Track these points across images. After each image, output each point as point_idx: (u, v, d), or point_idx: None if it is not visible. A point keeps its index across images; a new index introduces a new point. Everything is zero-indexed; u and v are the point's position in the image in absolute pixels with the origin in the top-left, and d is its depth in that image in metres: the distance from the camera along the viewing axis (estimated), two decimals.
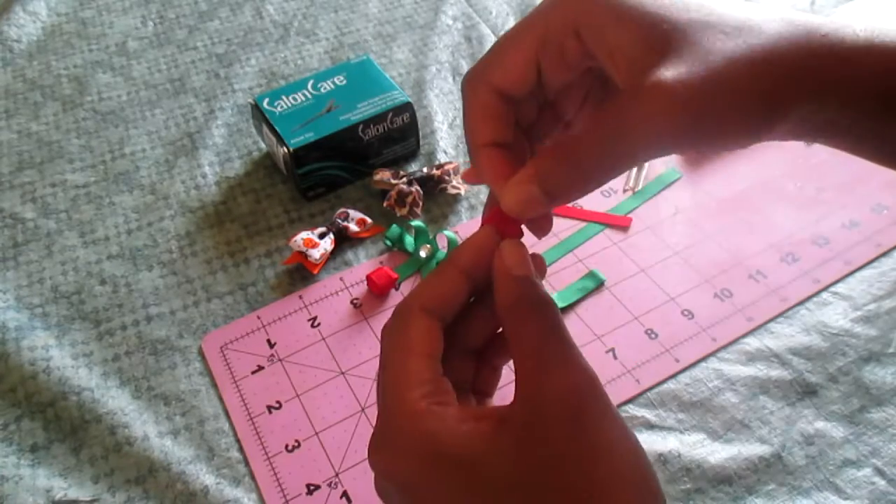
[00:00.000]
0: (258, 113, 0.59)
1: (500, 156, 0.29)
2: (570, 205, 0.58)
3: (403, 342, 0.28)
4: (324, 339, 0.50)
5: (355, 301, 0.52)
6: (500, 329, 0.32)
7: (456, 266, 0.29)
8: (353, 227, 0.56)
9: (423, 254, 0.54)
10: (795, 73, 0.24)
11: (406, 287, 0.53)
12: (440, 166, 0.59)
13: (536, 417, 0.25)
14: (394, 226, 0.55)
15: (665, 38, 0.24)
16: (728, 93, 0.24)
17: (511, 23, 0.76)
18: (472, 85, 0.29)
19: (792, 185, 0.59)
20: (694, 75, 0.23)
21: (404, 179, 0.58)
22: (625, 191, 0.59)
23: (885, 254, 0.53)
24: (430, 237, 0.55)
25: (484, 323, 0.31)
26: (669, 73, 0.23)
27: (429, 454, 0.26)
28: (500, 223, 0.30)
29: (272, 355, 0.50)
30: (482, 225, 0.30)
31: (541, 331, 0.27)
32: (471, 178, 0.31)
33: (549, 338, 0.27)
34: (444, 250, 0.54)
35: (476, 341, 0.31)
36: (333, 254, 0.55)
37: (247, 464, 0.45)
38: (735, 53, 0.24)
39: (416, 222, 0.55)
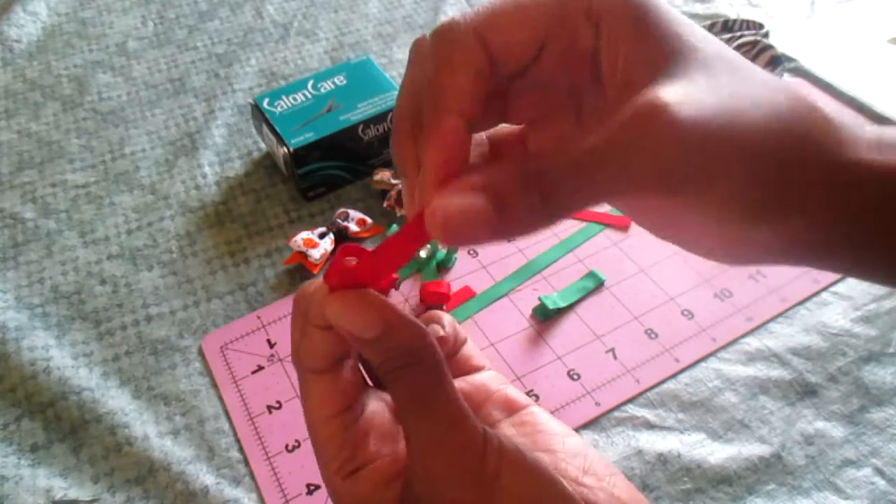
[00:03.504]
0: (258, 113, 0.59)
1: (463, 137, 0.23)
2: None
3: (310, 408, 0.27)
4: None
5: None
6: None
7: (310, 323, 0.25)
8: (353, 227, 0.56)
9: (423, 254, 0.54)
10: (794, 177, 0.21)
11: (406, 287, 0.53)
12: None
13: (429, 488, 0.24)
14: (394, 226, 0.55)
15: (675, 62, 0.21)
16: (735, 141, 0.20)
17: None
18: (455, 36, 0.23)
19: None
20: (703, 105, 0.20)
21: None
22: None
23: None
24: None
25: None
26: (671, 95, 0.20)
27: None
28: (386, 256, 0.23)
29: (272, 355, 0.50)
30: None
31: (406, 396, 0.24)
32: (407, 159, 0.24)
33: (416, 397, 0.24)
34: (444, 250, 0.54)
35: None
36: (333, 254, 0.55)
37: (247, 464, 0.45)
38: (751, 95, 0.21)
39: None
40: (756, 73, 0.22)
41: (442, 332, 0.31)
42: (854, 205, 0.21)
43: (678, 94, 0.19)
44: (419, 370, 0.24)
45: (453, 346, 0.32)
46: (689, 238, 0.25)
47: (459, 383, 0.31)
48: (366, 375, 0.29)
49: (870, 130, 0.22)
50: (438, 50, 0.23)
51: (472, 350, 0.33)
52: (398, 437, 0.28)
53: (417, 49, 0.25)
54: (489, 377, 0.32)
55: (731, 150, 0.20)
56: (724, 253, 0.24)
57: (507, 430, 0.30)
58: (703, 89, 0.20)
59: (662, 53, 0.21)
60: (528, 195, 0.20)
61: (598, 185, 0.20)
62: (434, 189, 0.22)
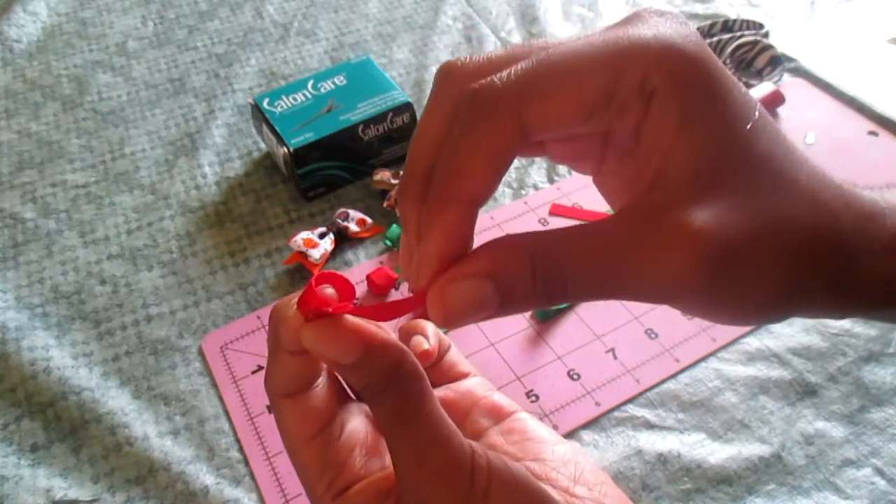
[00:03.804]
0: (258, 113, 0.59)
1: (469, 226, 0.22)
2: (569, 204, 0.58)
3: (287, 433, 0.26)
4: None
5: (355, 301, 0.52)
6: None
7: (281, 349, 0.25)
8: (353, 227, 0.56)
9: None
10: (826, 265, 0.21)
11: (406, 287, 0.53)
12: None
13: None
14: (394, 226, 0.55)
15: (721, 170, 0.20)
16: (763, 264, 0.20)
17: (511, 23, 0.76)
18: (492, 105, 0.20)
19: None
20: (732, 229, 0.19)
21: None
22: None
23: None
24: None
25: None
26: (703, 216, 0.19)
27: None
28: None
29: None
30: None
31: (389, 417, 0.24)
32: (409, 220, 0.23)
33: (399, 419, 0.24)
34: None
35: None
36: (333, 254, 0.55)
37: (247, 464, 0.45)
38: (783, 218, 0.20)
39: None
40: (796, 180, 0.21)
41: (426, 346, 0.30)
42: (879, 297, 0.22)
43: (707, 219, 0.19)
44: (400, 391, 0.23)
45: (437, 355, 0.31)
46: (692, 314, 0.25)
47: (444, 392, 0.31)
48: (347, 388, 0.28)
49: (888, 233, 0.22)
50: (468, 118, 0.21)
51: (456, 356, 0.33)
52: (386, 449, 0.27)
53: (448, 90, 0.22)
54: (475, 384, 0.32)
55: (752, 277, 0.20)
56: (728, 323, 0.24)
57: (496, 438, 0.29)
58: (735, 210, 0.20)
59: (706, 154, 0.20)
60: (533, 286, 0.20)
61: (609, 291, 0.20)
62: (432, 273, 0.21)
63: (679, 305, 0.21)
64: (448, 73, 0.22)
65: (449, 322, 0.21)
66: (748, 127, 0.21)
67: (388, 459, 0.27)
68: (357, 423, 0.27)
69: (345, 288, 0.24)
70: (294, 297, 0.24)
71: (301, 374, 0.25)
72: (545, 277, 0.20)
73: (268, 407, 0.47)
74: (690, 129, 0.20)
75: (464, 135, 0.21)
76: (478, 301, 0.20)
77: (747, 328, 0.49)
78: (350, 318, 0.23)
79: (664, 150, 0.20)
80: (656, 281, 0.20)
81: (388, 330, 0.24)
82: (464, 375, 0.32)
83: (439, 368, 0.32)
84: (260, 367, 0.49)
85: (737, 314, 0.21)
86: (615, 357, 0.49)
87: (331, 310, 0.23)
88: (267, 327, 0.51)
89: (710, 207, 0.20)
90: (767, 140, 0.21)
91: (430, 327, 0.31)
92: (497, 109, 0.20)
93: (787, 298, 0.21)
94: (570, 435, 0.45)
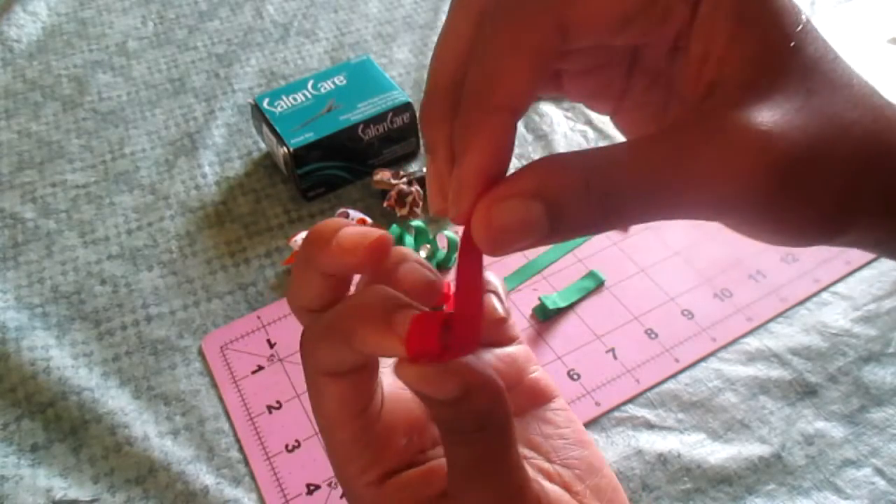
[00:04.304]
0: (258, 113, 0.59)
1: (511, 137, 0.19)
2: None
3: (325, 411, 0.23)
4: None
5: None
6: None
7: (337, 327, 0.22)
8: None
9: (423, 254, 0.54)
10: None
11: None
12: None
13: None
14: (394, 226, 0.55)
15: (774, 68, 0.19)
16: (827, 169, 0.19)
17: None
18: (527, 3, 0.19)
19: None
20: (796, 132, 0.18)
21: (404, 179, 0.58)
22: None
23: None
24: (430, 237, 0.55)
25: None
26: (766, 119, 0.18)
27: None
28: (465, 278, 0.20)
29: (272, 355, 0.50)
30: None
31: (470, 462, 0.22)
32: (438, 142, 0.21)
33: (483, 464, 0.22)
34: (444, 250, 0.54)
35: None
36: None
37: (247, 464, 0.45)
38: (844, 122, 0.19)
39: (416, 222, 0.55)
40: (850, 84, 0.20)
41: (499, 311, 0.27)
42: None
43: (771, 122, 0.18)
44: (489, 437, 0.21)
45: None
46: (747, 231, 0.23)
47: (494, 360, 0.28)
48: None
49: None
50: (503, 17, 0.19)
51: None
52: (424, 424, 0.25)
53: None
54: (520, 352, 0.29)
55: (821, 181, 0.19)
56: (783, 244, 0.23)
57: (534, 427, 0.27)
58: (797, 112, 0.19)
59: (762, 55, 0.19)
60: (587, 206, 0.18)
61: (669, 207, 0.18)
62: (475, 194, 0.19)
63: (737, 218, 0.19)
64: None
65: (496, 246, 0.18)
66: (798, 29, 0.19)
67: (430, 435, 0.25)
68: (394, 393, 0.25)
69: (465, 333, 0.20)
70: (341, 226, 0.22)
71: (330, 297, 0.22)
72: (601, 195, 0.18)
73: (268, 407, 0.47)
74: (746, 29, 0.19)
75: (499, 33, 0.18)
76: (526, 223, 0.17)
77: (747, 328, 0.49)
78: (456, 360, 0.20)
79: (720, 53, 0.19)
80: (718, 190, 0.18)
81: (486, 361, 0.23)
82: (512, 340, 0.29)
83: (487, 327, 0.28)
84: (260, 367, 0.49)
85: (796, 227, 0.20)
86: (615, 357, 0.49)
87: (440, 332, 0.20)
88: (267, 327, 0.51)
89: (771, 110, 0.18)
90: (817, 44, 0.20)
91: (497, 284, 0.28)
92: (535, 11, 0.18)
93: (847, 210, 0.20)
94: None
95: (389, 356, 0.21)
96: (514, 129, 0.19)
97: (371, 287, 0.21)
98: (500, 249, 0.18)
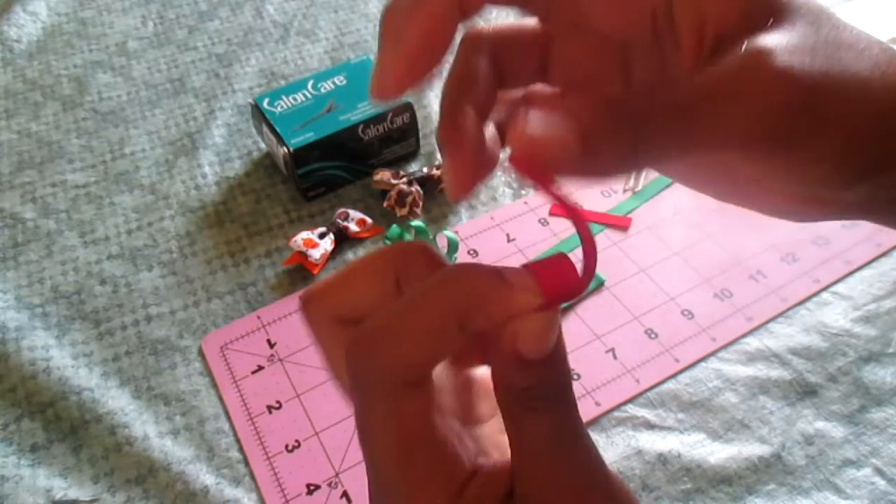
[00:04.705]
0: (258, 113, 0.59)
1: (447, 19, 0.22)
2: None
3: (393, 434, 0.21)
4: None
5: None
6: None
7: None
8: (353, 227, 0.56)
9: None
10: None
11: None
12: (440, 166, 0.59)
13: None
14: (394, 226, 0.55)
15: (776, 16, 0.19)
16: (844, 99, 0.19)
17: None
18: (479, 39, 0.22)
19: None
20: (807, 59, 0.18)
21: (404, 179, 0.58)
22: (625, 191, 0.59)
23: (885, 254, 0.53)
24: (430, 237, 0.55)
25: None
26: (779, 42, 0.18)
27: None
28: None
29: (272, 355, 0.50)
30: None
31: (550, 432, 0.20)
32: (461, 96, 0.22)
33: (565, 433, 0.21)
34: (444, 250, 0.54)
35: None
36: (333, 254, 0.55)
37: (247, 464, 0.45)
38: (851, 63, 0.19)
39: (416, 222, 0.55)
40: (852, 27, 0.21)
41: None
42: None
43: (785, 43, 0.18)
44: (570, 400, 0.21)
45: None
46: (759, 200, 0.23)
47: None
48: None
49: None
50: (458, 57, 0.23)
51: None
52: (482, 415, 0.23)
53: None
54: None
55: (839, 103, 0.19)
56: (796, 212, 0.23)
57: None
58: (809, 40, 0.19)
59: (761, 7, 0.19)
60: (616, 131, 0.18)
61: (697, 133, 0.18)
62: (456, 181, 0.21)
63: (758, 149, 0.19)
64: None
65: (523, 152, 0.18)
66: None
67: (488, 428, 0.23)
68: (442, 384, 0.23)
69: (591, 267, 0.21)
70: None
71: (379, 294, 0.21)
72: (632, 126, 0.18)
73: (268, 407, 0.47)
74: None
75: None
76: (558, 138, 0.18)
77: (747, 328, 0.49)
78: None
79: (716, 13, 0.20)
80: (749, 117, 0.18)
81: None
82: None
83: None
84: (260, 367, 0.49)
85: (813, 162, 0.20)
86: (615, 357, 0.49)
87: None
88: (267, 327, 0.51)
89: (784, 40, 0.19)
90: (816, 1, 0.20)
91: None
92: None
93: (861, 146, 0.20)
94: None
95: (519, 312, 0.20)
96: (453, 19, 0.21)
97: (449, 269, 0.20)
98: (527, 155, 0.18)
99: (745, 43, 0.18)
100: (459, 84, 0.23)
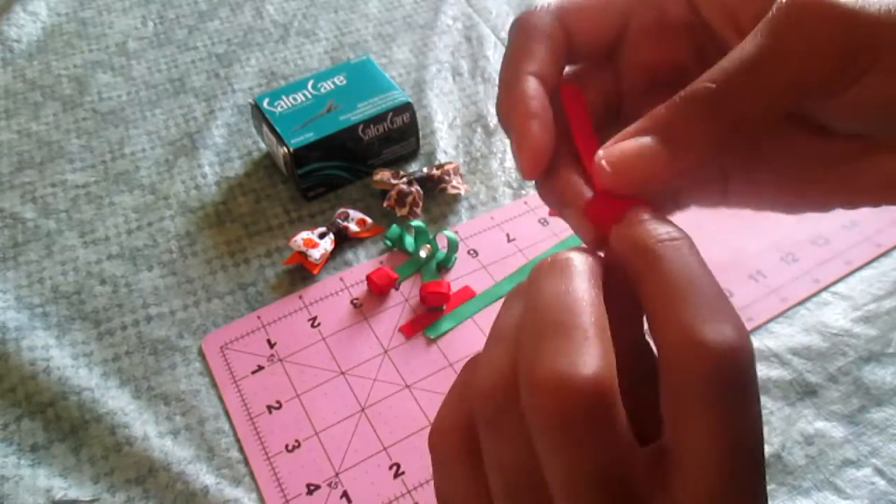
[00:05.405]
0: (258, 113, 0.59)
1: (541, 93, 0.23)
2: None
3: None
4: (324, 339, 0.50)
5: (355, 301, 0.52)
6: None
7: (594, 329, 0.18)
8: (353, 227, 0.56)
9: (423, 254, 0.54)
10: None
11: (406, 287, 0.53)
12: (440, 166, 0.59)
13: None
14: (394, 226, 0.55)
15: None
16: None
17: (511, 22, 0.76)
18: (534, 21, 0.24)
19: None
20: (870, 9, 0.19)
21: (404, 179, 0.58)
22: None
23: (885, 254, 0.53)
24: (430, 237, 0.55)
25: None
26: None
27: None
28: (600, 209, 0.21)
29: (272, 355, 0.50)
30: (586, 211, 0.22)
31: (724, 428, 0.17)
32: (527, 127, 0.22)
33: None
34: (444, 250, 0.54)
35: None
36: (333, 254, 0.55)
37: (247, 464, 0.45)
38: None
39: (416, 222, 0.55)
40: None
41: None
42: None
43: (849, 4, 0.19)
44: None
45: None
46: (821, 187, 0.23)
47: None
48: None
49: None
50: (518, 35, 0.24)
51: None
52: None
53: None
54: None
55: (879, 31, 0.19)
56: (862, 191, 0.23)
57: None
58: None
59: None
60: (692, 118, 0.19)
61: (767, 83, 0.19)
62: (529, 149, 0.22)
63: (831, 82, 0.19)
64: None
65: (620, 179, 0.20)
66: None
67: None
68: None
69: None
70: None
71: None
72: (705, 104, 0.19)
73: (268, 407, 0.47)
74: None
75: (516, 44, 0.24)
76: (640, 151, 0.20)
77: (747, 327, 0.49)
78: None
79: (749, 15, 0.21)
80: (812, 55, 0.19)
81: None
82: None
83: None
84: (260, 367, 0.49)
85: (873, 101, 0.20)
86: None
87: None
88: (267, 327, 0.51)
89: None
90: None
91: None
92: (540, 22, 0.24)
93: None
94: None
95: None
96: (543, 90, 0.23)
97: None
98: (622, 179, 0.20)
99: (790, 9, 0.19)
100: (520, 51, 0.24)
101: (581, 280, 0.19)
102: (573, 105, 0.23)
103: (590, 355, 0.17)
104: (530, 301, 0.19)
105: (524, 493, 0.19)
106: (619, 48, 0.24)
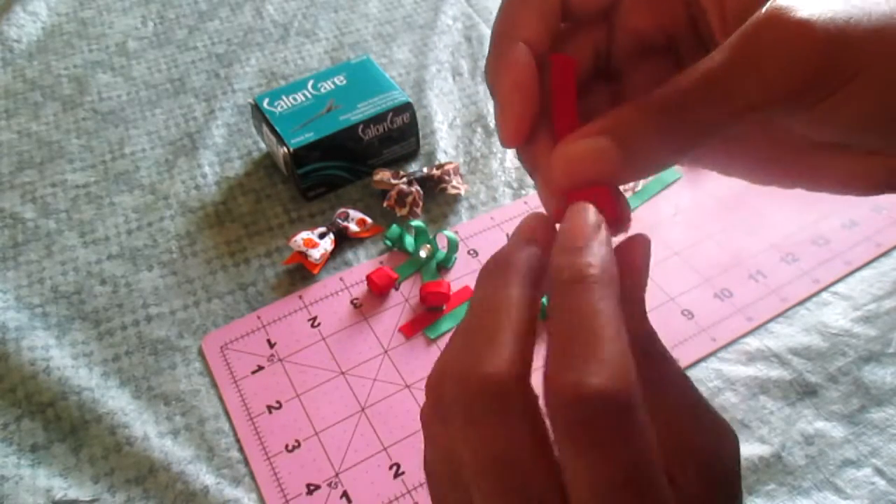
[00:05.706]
0: (258, 113, 0.59)
1: (529, 62, 0.22)
2: None
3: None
4: (324, 339, 0.50)
5: (355, 301, 0.52)
6: None
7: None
8: (353, 227, 0.56)
9: (423, 254, 0.54)
10: None
11: (406, 287, 0.53)
12: (440, 166, 0.59)
13: None
14: (394, 226, 0.55)
15: None
16: (873, 56, 0.19)
17: None
18: None
19: None
20: (823, 10, 0.19)
21: (404, 179, 0.58)
22: (624, 191, 0.59)
23: (884, 254, 0.53)
24: (430, 237, 0.55)
25: None
26: (793, 1, 0.19)
27: None
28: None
29: (272, 355, 0.50)
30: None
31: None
32: (515, 105, 0.23)
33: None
34: (444, 250, 0.54)
35: None
36: (333, 254, 0.55)
37: (247, 464, 0.45)
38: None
39: (416, 222, 0.55)
40: None
41: None
42: None
43: (800, 1, 0.19)
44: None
45: None
46: (788, 170, 0.24)
47: None
48: None
49: None
50: None
51: None
52: None
53: None
54: None
55: (862, 45, 0.19)
56: (826, 181, 0.23)
57: None
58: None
59: None
60: (649, 125, 0.20)
61: (730, 98, 0.19)
62: (510, 120, 0.22)
63: (798, 99, 0.20)
64: None
65: (571, 175, 0.21)
66: None
67: None
68: None
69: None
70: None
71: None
72: (660, 113, 0.20)
73: (268, 407, 0.47)
74: None
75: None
76: (596, 152, 0.20)
77: (747, 328, 0.49)
78: None
79: None
80: (778, 70, 0.19)
81: None
82: None
83: None
84: (260, 367, 0.49)
85: (845, 109, 0.20)
86: None
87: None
88: (267, 327, 0.51)
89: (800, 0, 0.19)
90: None
91: None
92: None
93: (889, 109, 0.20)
94: None
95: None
96: (533, 58, 0.22)
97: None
98: (570, 176, 0.21)
99: (767, 5, 0.19)
100: (513, 14, 0.23)
101: (514, 279, 0.21)
102: (560, 76, 0.23)
103: (499, 354, 0.19)
104: (472, 300, 0.21)
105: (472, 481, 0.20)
106: (613, 10, 0.24)
